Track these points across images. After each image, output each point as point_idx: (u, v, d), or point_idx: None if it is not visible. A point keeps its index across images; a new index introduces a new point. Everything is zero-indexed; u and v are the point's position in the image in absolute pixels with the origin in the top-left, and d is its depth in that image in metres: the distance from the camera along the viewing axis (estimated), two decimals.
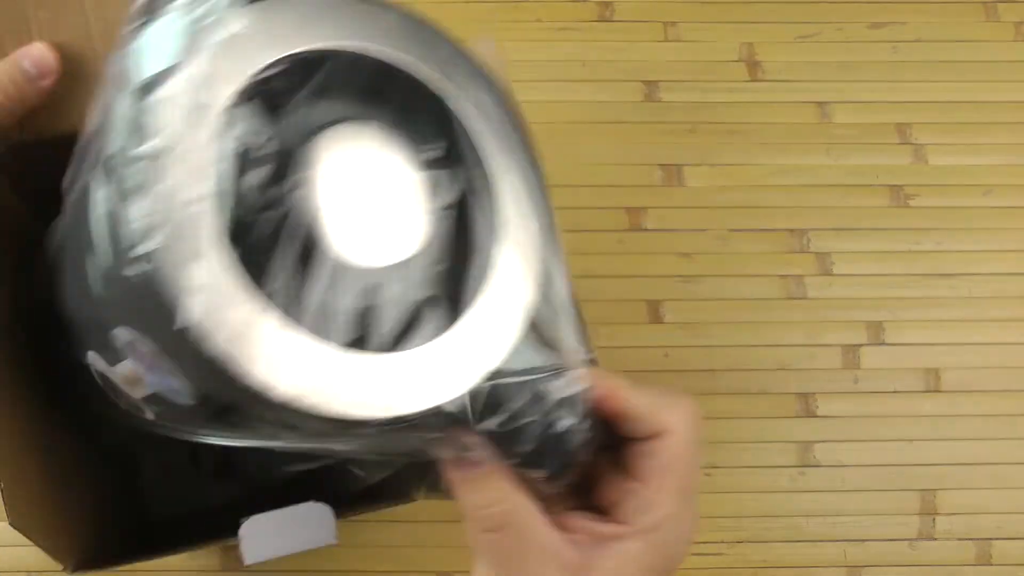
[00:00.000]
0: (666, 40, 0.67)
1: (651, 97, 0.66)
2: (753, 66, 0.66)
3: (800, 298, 0.62)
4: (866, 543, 0.58)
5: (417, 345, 0.27)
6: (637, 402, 0.31)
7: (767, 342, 0.61)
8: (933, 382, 0.61)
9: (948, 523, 0.59)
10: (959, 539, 0.59)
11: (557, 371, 0.29)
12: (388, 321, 0.27)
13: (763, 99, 0.66)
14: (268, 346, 0.24)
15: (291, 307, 0.25)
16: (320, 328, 0.25)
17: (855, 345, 0.61)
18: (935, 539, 0.59)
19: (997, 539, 0.59)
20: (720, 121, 0.65)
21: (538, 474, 0.30)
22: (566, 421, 0.29)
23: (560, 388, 0.29)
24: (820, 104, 0.66)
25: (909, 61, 0.67)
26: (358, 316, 0.27)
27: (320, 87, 0.28)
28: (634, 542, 0.30)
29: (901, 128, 0.65)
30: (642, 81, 0.66)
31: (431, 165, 0.30)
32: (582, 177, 0.63)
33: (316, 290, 0.26)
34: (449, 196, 0.29)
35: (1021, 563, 0.58)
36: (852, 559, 0.58)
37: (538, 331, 0.30)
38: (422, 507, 0.59)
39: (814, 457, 0.60)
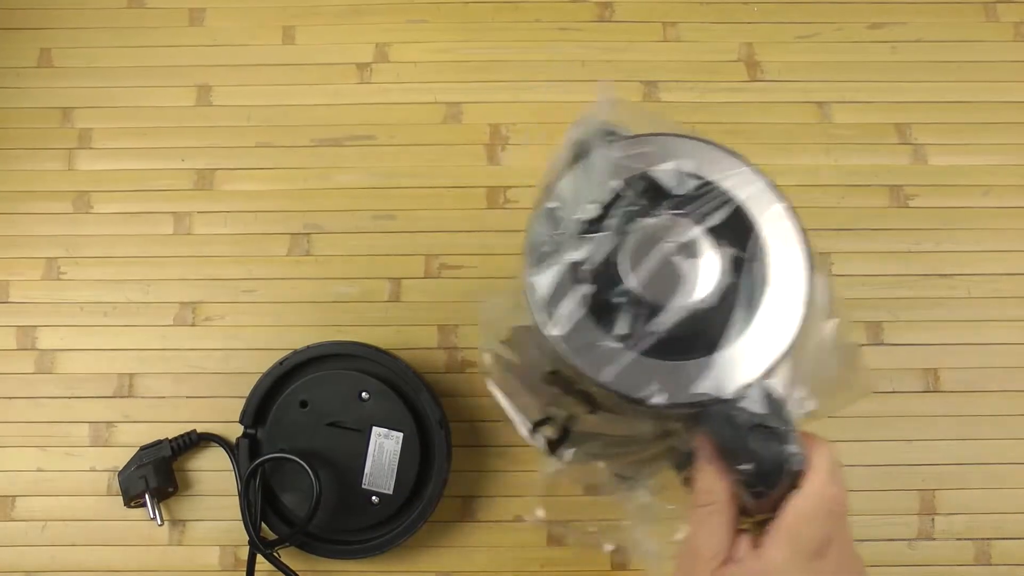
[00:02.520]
0: (665, 40, 0.67)
1: (650, 97, 0.66)
2: (752, 66, 0.66)
3: None
4: (865, 543, 0.58)
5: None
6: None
7: None
8: (932, 382, 0.61)
9: (947, 523, 0.59)
10: (958, 539, 0.59)
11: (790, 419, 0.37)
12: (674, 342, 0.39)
13: (762, 99, 0.66)
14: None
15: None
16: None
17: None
18: (934, 539, 0.59)
19: (996, 539, 0.59)
20: (720, 121, 0.65)
21: (750, 490, 0.38)
22: (792, 463, 0.37)
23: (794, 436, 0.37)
24: (820, 104, 0.66)
25: (909, 61, 0.67)
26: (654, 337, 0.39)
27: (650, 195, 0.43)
28: None
29: (900, 128, 0.65)
30: (641, 81, 0.66)
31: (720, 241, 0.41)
32: None
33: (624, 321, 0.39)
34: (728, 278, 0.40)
35: (1020, 563, 0.58)
36: None
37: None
38: None
39: None
